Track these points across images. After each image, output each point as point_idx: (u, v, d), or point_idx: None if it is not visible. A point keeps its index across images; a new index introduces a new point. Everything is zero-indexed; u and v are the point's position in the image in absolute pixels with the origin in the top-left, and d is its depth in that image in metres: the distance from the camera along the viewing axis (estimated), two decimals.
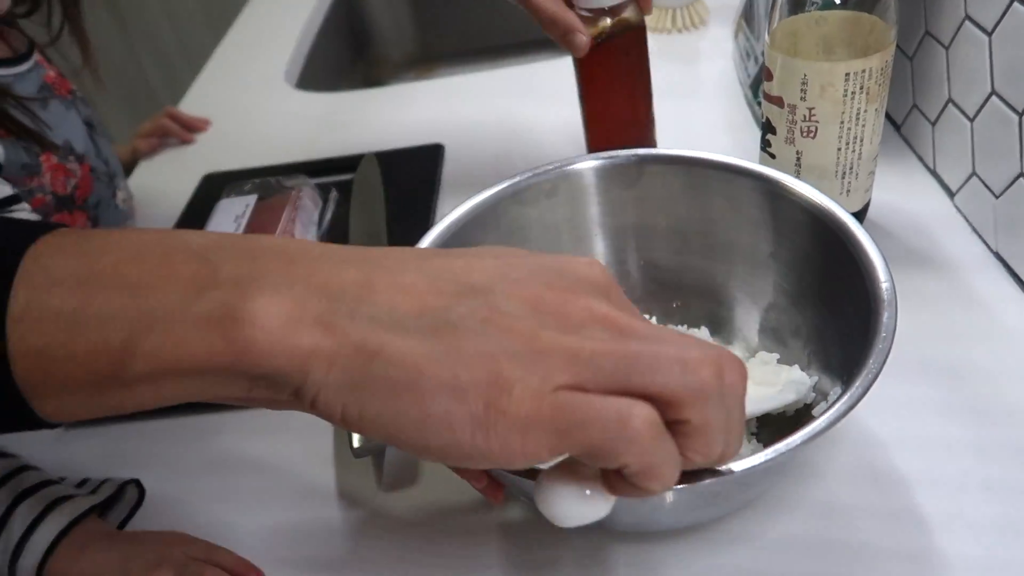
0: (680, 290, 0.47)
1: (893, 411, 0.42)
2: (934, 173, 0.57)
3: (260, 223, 0.58)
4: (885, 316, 0.33)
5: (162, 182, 0.77)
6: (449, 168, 0.70)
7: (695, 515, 0.37)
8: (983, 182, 0.50)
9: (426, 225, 0.59)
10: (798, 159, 0.49)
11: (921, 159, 0.59)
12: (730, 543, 0.38)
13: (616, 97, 0.57)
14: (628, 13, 0.54)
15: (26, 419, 0.24)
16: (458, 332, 0.23)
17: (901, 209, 0.55)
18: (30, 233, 0.24)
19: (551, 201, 0.46)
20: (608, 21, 0.53)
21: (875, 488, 0.39)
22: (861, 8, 0.45)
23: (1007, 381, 0.43)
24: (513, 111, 0.76)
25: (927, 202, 0.55)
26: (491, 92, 0.81)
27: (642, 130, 0.59)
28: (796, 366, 0.41)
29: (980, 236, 0.52)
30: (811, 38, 0.46)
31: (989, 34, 0.47)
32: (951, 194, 0.55)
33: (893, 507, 0.38)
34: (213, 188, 0.70)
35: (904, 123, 0.60)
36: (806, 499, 0.39)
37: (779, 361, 0.42)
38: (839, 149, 0.48)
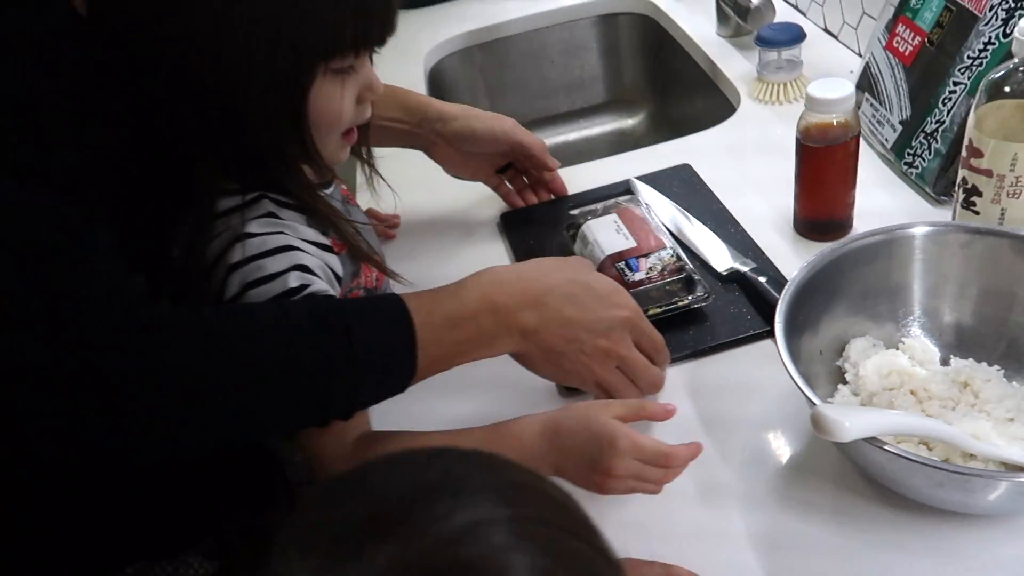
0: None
1: None
2: None
3: (635, 228, 0.74)
4: None
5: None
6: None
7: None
8: None
9: None
10: (1002, 214, 0.64)
11: None
12: None
13: (835, 185, 0.72)
14: (848, 121, 0.68)
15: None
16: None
17: None
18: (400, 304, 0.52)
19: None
20: (835, 123, 0.68)
21: None
22: None
23: None
24: None
25: None
26: None
27: (849, 210, 0.74)
28: None
29: None
30: (1015, 123, 0.61)
31: None
32: None
33: None
34: (519, 224, 0.86)
35: None
36: None
37: None
38: None
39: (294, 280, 0.56)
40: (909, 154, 0.80)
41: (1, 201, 0.44)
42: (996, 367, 0.59)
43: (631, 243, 0.71)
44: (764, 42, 0.97)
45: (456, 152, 0.83)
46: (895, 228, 0.60)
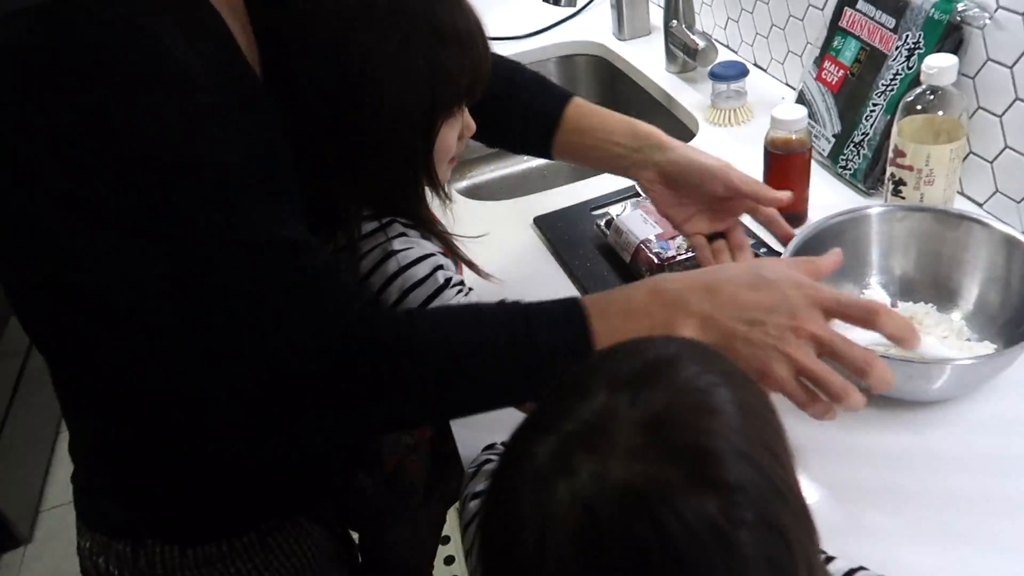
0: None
1: None
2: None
3: (657, 219, 0.94)
4: None
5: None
6: None
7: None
8: (1002, 192, 0.92)
9: None
10: (921, 197, 0.88)
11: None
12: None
13: (794, 184, 0.95)
14: (803, 136, 0.92)
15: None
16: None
17: None
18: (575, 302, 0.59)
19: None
20: (794, 138, 0.91)
21: None
22: (948, 114, 0.85)
23: None
24: None
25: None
26: None
27: (805, 204, 0.97)
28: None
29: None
30: (925, 129, 0.85)
31: (1000, 116, 0.89)
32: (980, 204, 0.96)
33: None
34: (552, 224, 1.03)
35: None
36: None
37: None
38: (946, 186, 0.87)
39: (441, 278, 0.73)
40: (842, 159, 1.04)
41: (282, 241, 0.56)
42: (931, 304, 0.82)
43: (658, 229, 0.92)
44: (717, 77, 1.21)
45: (669, 188, 0.83)
46: (855, 210, 0.83)
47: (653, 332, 0.56)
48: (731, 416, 0.38)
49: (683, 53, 1.35)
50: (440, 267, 0.74)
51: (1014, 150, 0.89)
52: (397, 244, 0.74)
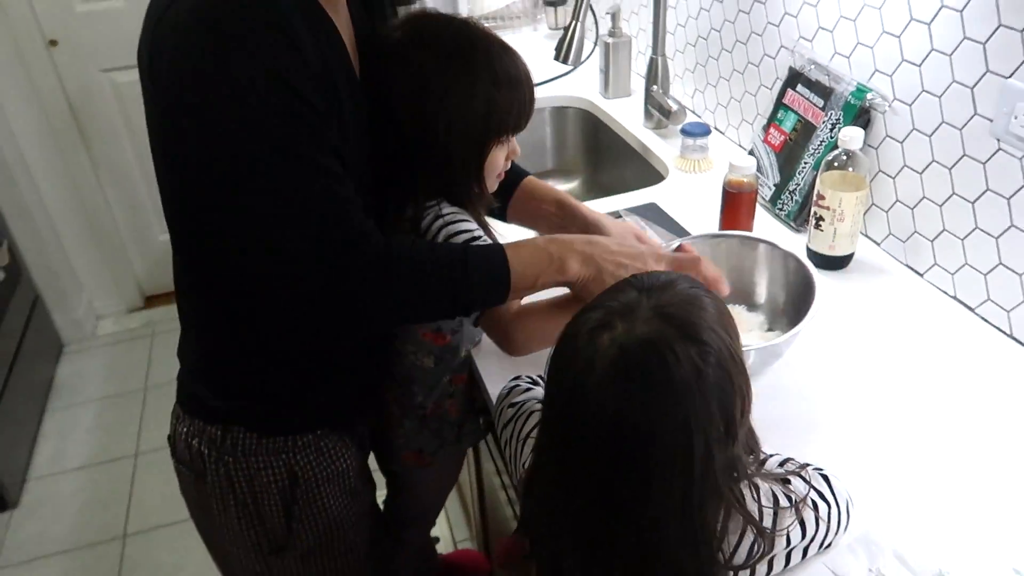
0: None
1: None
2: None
3: (642, 238, 1.16)
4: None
5: None
6: None
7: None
8: (893, 235, 1.23)
9: None
10: (835, 232, 1.19)
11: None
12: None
13: (744, 218, 1.25)
14: (752, 180, 1.22)
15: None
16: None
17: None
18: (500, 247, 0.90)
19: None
20: (745, 181, 1.22)
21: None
22: (857, 171, 1.16)
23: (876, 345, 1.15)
24: None
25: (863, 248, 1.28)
26: None
27: (749, 231, 1.28)
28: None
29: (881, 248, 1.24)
30: (840, 181, 1.17)
31: (893, 177, 1.21)
32: (877, 243, 1.28)
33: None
34: None
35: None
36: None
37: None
38: (852, 224, 1.18)
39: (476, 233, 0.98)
40: (780, 203, 1.36)
41: (320, 166, 0.78)
42: (743, 306, 1.11)
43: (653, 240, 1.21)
44: (686, 133, 1.52)
45: None
46: (694, 237, 1.10)
47: (551, 264, 0.88)
48: (709, 308, 0.66)
49: (659, 113, 1.66)
50: (476, 238, 1.00)
51: (903, 203, 1.21)
52: (445, 209, 0.99)
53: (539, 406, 0.86)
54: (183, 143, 0.76)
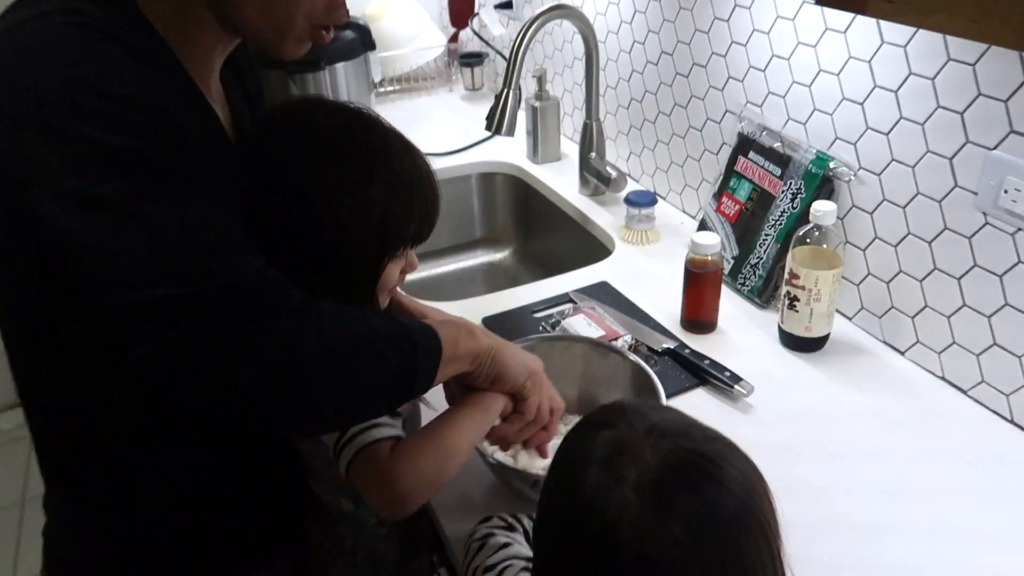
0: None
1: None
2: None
3: (598, 322, 1.03)
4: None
5: None
6: None
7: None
8: (867, 309, 1.16)
9: None
10: (811, 311, 1.10)
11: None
12: None
13: (708, 297, 1.15)
14: (717, 258, 1.12)
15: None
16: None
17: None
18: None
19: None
20: (710, 260, 1.11)
21: None
22: (829, 246, 1.08)
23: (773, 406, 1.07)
24: None
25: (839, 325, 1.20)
26: None
27: (715, 313, 1.18)
28: None
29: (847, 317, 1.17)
30: (813, 258, 1.08)
31: (863, 250, 1.14)
32: (849, 318, 1.20)
33: None
34: (498, 327, 1.12)
35: None
36: None
37: None
38: (829, 303, 1.10)
39: None
40: (741, 277, 1.27)
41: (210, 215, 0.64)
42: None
43: (601, 332, 1.08)
44: (631, 203, 1.42)
45: None
46: (539, 338, 0.99)
47: (460, 330, 0.79)
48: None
49: (597, 180, 1.56)
50: None
51: (875, 276, 1.13)
52: None
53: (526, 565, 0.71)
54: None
